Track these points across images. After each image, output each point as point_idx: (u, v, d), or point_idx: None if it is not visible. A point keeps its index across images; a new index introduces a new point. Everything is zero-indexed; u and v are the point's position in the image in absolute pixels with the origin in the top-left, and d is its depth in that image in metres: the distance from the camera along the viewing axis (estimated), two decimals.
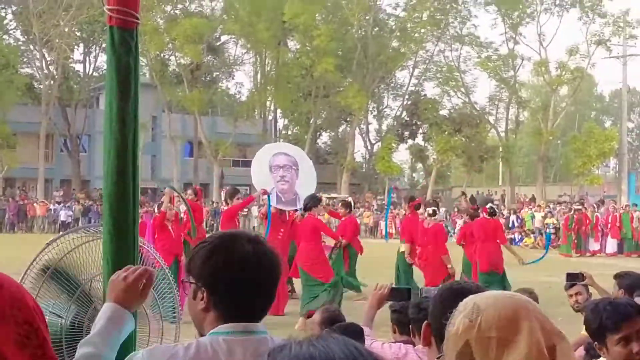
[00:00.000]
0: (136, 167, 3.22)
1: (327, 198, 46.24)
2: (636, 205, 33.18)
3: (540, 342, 1.83)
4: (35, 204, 44.34)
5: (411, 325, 4.92)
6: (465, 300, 1.96)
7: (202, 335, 2.34)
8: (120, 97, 3.15)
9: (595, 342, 3.62)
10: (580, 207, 33.06)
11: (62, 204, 44.99)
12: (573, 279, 7.04)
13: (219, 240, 2.37)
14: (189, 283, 2.36)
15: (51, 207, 44.39)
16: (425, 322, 2.67)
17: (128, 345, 3.14)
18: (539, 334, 1.84)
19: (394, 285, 4.88)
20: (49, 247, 4.67)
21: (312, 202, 13.29)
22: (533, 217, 37.20)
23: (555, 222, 35.12)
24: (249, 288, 2.30)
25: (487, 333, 1.84)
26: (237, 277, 2.29)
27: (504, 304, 1.89)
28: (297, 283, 14.48)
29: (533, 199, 45.79)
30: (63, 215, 42.84)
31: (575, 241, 30.90)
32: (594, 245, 31.41)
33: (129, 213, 3.19)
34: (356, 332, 4.84)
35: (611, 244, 31.21)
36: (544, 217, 36.19)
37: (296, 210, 15.01)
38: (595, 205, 33.86)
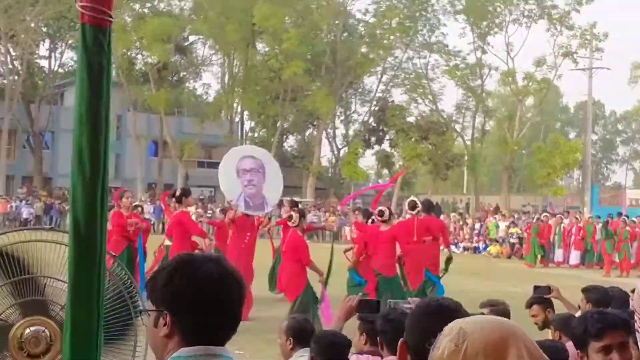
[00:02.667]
0: (106, 171, 3.12)
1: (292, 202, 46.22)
2: (599, 217, 33.51)
3: None
4: None
5: (379, 337, 4.86)
6: (450, 324, 1.89)
7: None
8: (91, 98, 3.05)
9: (578, 351, 3.62)
10: (546, 216, 33.34)
11: (24, 201, 44.45)
12: (541, 292, 7.03)
13: (180, 262, 2.30)
14: (149, 312, 2.28)
15: (13, 204, 43.83)
16: (401, 340, 2.60)
17: None
18: None
19: (362, 298, 4.86)
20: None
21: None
22: (497, 226, 37.44)
23: (519, 231, 35.37)
24: (213, 309, 2.23)
25: (474, 358, 1.77)
26: (201, 297, 2.22)
27: (491, 328, 1.82)
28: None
29: (497, 208, 46.09)
30: (25, 212, 42.32)
31: (541, 252, 31.10)
32: (558, 256, 31.66)
33: (97, 217, 3.09)
34: (345, 345, 4.79)
35: (574, 255, 31.48)
36: (508, 227, 36.43)
37: (264, 215, 14.99)
38: (562, 216, 34.14)
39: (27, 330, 4.13)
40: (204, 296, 2.22)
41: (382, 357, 5.06)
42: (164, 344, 2.26)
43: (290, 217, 12.97)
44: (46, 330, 4.13)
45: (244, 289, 2.33)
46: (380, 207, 14.23)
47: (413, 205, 14.80)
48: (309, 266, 12.56)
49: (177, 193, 14.65)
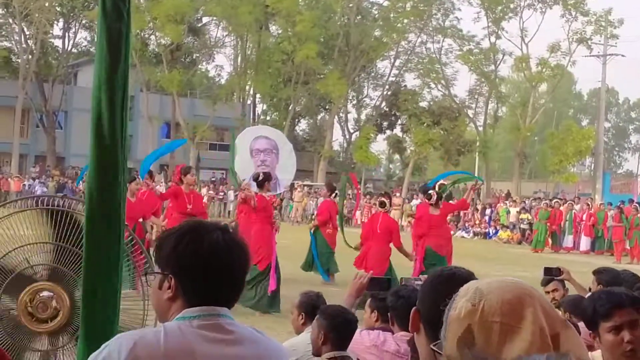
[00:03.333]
0: (125, 138, 3.15)
1: (304, 185, 46.30)
2: (610, 204, 33.43)
3: (544, 329, 1.79)
4: (9, 179, 43.97)
5: (389, 313, 4.89)
6: (466, 285, 1.91)
7: None
8: (111, 64, 3.07)
9: (590, 332, 3.63)
10: (557, 202, 33.31)
11: (37, 180, 44.65)
12: (550, 273, 7.04)
13: (188, 228, 2.35)
14: (155, 273, 2.34)
15: (26, 182, 44.03)
16: (414, 308, 2.62)
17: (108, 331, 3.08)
18: (543, 321, 1.80)
19: (373, 276, 4.89)
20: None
21: None
22: (508, 212, 37.41)
23: (529, 217, 35.34)
24: (217, 276, 2.29)
25: (490, 318, 1.79)
26: (206, 264, 2.27)
27: (508, 289, 1.84)
28: None
29: (508, 194, 46.00)
30: (39, 191, 42.49)
31: (550, 238, 31.11)
32: (568, 242, 31.64)
33: (117, 187, 3.12)
34: (352, 320, 4.84)
35: (584, 242, 31.46)
36: (519, 213, 36.40)
37: (276, 195, 15.00)
38: (573, 203, 34.08)
39: (37, 296, 4.18)
40: (209, 263, 2.27)
41: (392, 333, 5.10)
42: (168, 306, 2.31)
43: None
44: (54, 297, 4.18)
45: (248, 258, 2.39)
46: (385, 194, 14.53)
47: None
48: (399, 248, 13.28)
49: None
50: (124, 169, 3.18)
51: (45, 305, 4.17)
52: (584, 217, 31.76)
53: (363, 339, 5.04)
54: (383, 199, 14.12)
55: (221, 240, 2.30)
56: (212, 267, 2.27)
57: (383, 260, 13.18)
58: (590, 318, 3.60)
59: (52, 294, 4.19)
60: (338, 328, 4.69)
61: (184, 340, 2.18)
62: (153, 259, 2.40)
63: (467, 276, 2.60)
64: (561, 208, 32.40)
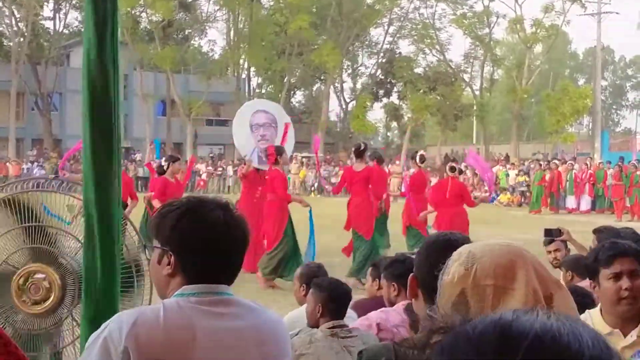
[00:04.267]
0: (118, 115, 3.16)
1: (302, 157, 46.28)
2: (609, 162, 33.43)
3: (537, 291, 1.81)
4: (7, 163, 43.95)
5: (394, 282, 4.95)
6: (459, 249, 1.92)
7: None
8: (99, 41, 3.07)
9: (590, 281, 3.67)
10: (556, 163, 33.29)
11: (35, 163, 44.65)
12: (550, 234, 7.05)
13: (188, 205, 2.35)
14: (154, 247, 2.35)
15: (24, 166, 44.03)
16: (411, 275, 2.62)
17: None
18: (535, 282, 1.82)
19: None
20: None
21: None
22: (507, 175, 37.42)
23: (528, 179, 35.35)
24: (217, 253, 2.30)
25: (483, 281, 1.81)
26: (207, 243, 2.29)
27: (500, 252, 1.85)
28: None
29: (507, 157, 45.99)
30: (38, 174, 42.50)
31: (549, 199, 31.18)
32: (571, 203, 31.65)
33: (112, 164, 3.14)
34: (346, 291, 4.88)
35: (585, 201, 31.49)
36: (518, 175, 36.42)
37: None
38: (572, 163, 34.08)
39: (29, 278, 4.20)
40: (210, 241, 2.29)
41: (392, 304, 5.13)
42: (167, 282, 2.33)
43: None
44: (46, 278, 4.20)
45: (248, 236, 2.39)
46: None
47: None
48: (473, 207, 13.87)
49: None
50: (118, 148, 3.19)
51: (37, 287, 4.20)
52: (584, 177, 31.75)
53: (368, 321, 4.96)
54: (453, 164, 14.26)
55: (222, 219, 2.31)
56: (212, 245, 2.29)
57: (460, 223, 13.28)
58: (591, 266, 3.66)
59: (43, 275, 4.20)
60: (335, 299, 4.74)
61: (182, 315, 2.19)
62: (151, 230, 2.40)
63: (462, 241, 2.58)
64: (560, 169, 32.39)
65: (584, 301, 4.03)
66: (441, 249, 2.43)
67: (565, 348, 0.87)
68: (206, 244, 2.28)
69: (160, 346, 2.12)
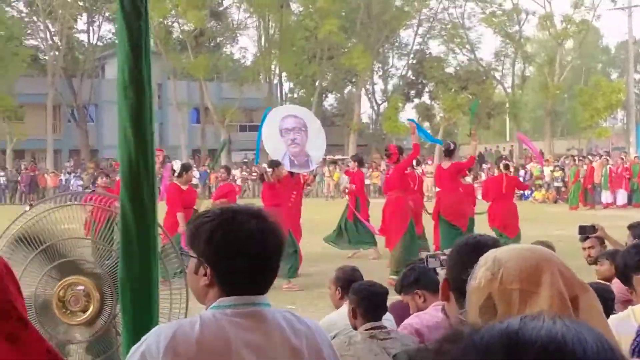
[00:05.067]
0: (152, 131, 3.23)
1: (334, 160, 46.27)
2: None
3: (562, 293, 1.85)
4: (46, 175, 44.46)
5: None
6: (486, 254, 1.97)
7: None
8: (133, 62, 3.15)
9: (627, 287, 3.65)
10: (590, 159, 32.99)
11: (72, 174, 45.15)
12: (585, 231, 7.04)
13: (222, 217, 2.36)
14: (191, 257, 2.38)
15: (62, 177, 44.53)
16: (443, 278, 2.70)
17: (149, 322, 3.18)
18: (561, 285, 1.86)
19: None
20: (26, 213, 4.71)
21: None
22: (542, 171, 37.13)
23: (563, 174, 35.05)
24: (252, 264, 2.32)
25: (509, 285, 1.85)
26: (241, 254, 2.30)
27: (525, 256, 1.91)
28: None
29: (541, 154, 45.62)
30: (75, 185, 42.96)
31: (583, 194, 30.89)
32: (607, 198, 31.33)
33: (148, 178, 3.21)
34: (383, 293, 4.95)
35: (621, 196, 31.16)
36: (553, 171, 36.14)
37: (309, 173, 15.11)
38: (607, 158, 33.73)
39: (67, 291, 4.32)
40: (245, 252, 2.31)
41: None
42: (204, 292, 2.38)
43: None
44: (82, 288, 4.31)
45: (283, 243, 2.42)
46: None
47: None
48: (527, 188, 14.97)
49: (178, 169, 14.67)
50: (153, 164, 3.26)
51: (77, 299, 4.30)
52: (619, 171, 31.42)
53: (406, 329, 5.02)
54: (507, 162, 16.13)
55: (256, 229, 2.33)
56: (247, 257, 2.30)
57: (511, 217, 14.98)
58: (622, 274, 3.62)
59: (82, 287, 4.32)
60: (367, 301, 4.79)
61: (219, 328, 2.23)
62: (187, 240, 2.44)
63: (491, 244, 2.63)
64: (594, 164, 32.10)
65: (604, 296, 4.04)
66: (471, 251, 2.48)
67: (570, 355, 0.91)
68: (241, 255, 2.30)
69: (198, 359, 2.18)
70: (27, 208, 4.66)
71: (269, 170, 13.89)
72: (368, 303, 4.78)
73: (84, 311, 4.31)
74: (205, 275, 2.33)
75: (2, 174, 43.93)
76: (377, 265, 13.92)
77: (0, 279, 1.92)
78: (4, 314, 1.90)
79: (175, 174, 14.20)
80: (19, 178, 43.65)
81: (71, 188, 42.27)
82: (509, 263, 1.89)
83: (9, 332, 1.90)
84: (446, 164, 14.25)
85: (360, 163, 17.73)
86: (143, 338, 2.24)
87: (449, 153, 14.37)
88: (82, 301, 4.30)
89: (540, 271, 1.87)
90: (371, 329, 4.69)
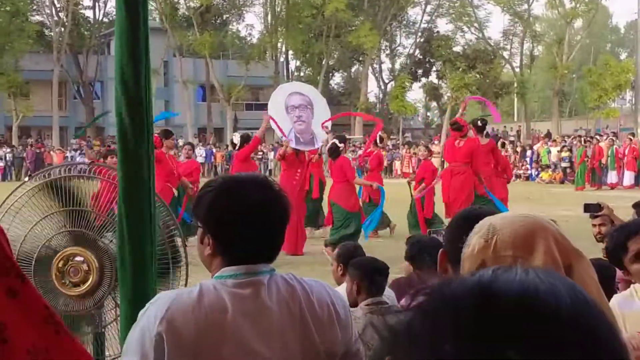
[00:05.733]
0: (150, 109, 3.21)
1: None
2: None
3: (557, 261, 1.83)
4: (52, 152, 44.54)
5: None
6: (481, 221, 1.94)
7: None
8: (131, 40, 3.12)
9: (622, 271, 3.59)
10: (597, 139, 32.90)
11: (78, 151, 45.20)
12: (591, 209, 6.96)
13: (224, 186, 2.34)
14: (198, 227, 2.35)
15: (68, 154, 44.60)
16: (440, 250, 2.65)
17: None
18: (555, 252, 1.83)
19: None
20: (31, 179, 4.67)
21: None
22: (549, 152, 37.09)
23: (570, 155, 35.00)
24: (255, 232, 2.29)
25: (503, 252, 1.83)
26: (243, 221, 2.27)
27: (520, 223, 1.88)
28: None
29: (548, 134, 45.55)
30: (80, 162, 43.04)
31: (590, 174, 30.85)
32: (613, 178, 31.28)
33: (143, 157, 3.19)
34: (384, 268, 4.95)
35: (628, 177, 31.10)
36: (560, 152, 36.07)
37: (315, 150, 15.11)
38: (613, 138, 33.63)
39: (68, 261, 4.29)
40: (246, 221, 2.27)
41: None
42: (210, 261, 2.34)
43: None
44: (85, 261, 4.28)
45: (288, 212, 2.36)
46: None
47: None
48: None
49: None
50: (150, 135, 3.24)
51: (77, 270, 4.28)
52: (626, 152, 31.35)
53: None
54: (503, 140, 15.49)
55: (259, 197, 2.29)
56: (249, 225, 2.27)
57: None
58: (613, 257, 3.55)
59: (81, 258, 4.30)
60: (369, 276, 4.79)
61: (217, 298, 2.21)
62: (192, 212, 2.42)
63: (490, 215, 2.60)
64: (601, 144, 32.02)
65: (606, 273, 3.97)
66: (469, 222, 2.44)
67: (542, 306, 0.90)
68: (243, 224, 2.26)
69: (193, 329, 2.15)
70: (27, 179, 4.63)
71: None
72: (370, 278, 4.78)
73: (84, 282, 4.28)
74: (209, 244, 2.31)
75: (8, 150, 44.01)
76: (378, 244, 13.89)
77: None
78: (4, 270, 1.92)
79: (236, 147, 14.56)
80: (25, 155, 43.74)
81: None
82: (503, 230, 1.86)
83: (9, 287, 1.93)
84: (483, 140, 14.41)
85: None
86: (142, 310, 2.23)
87: (480, 129, 14.43)
88: (82, 272, 4.26)
89: (534, 238, 1.84)
90: (371, 304, 4.69)
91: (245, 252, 2.28)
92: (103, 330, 4.45)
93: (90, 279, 4.28)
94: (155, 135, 12.68)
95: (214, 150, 46.29)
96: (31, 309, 1.98)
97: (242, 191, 2.30)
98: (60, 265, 4.28)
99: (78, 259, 4.31)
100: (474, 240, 1.88)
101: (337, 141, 13.82)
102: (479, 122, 14.69)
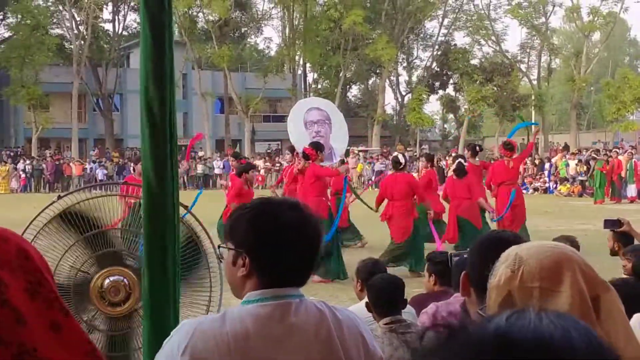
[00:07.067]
0: (173, 125, 3.22)
1: (359, 151, 46.29)
2: None
3: (583, 292, 1.83)
4: (71, 164, 44.78)
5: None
6: (507, 251, 1.95)
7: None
8: (156, 55, 3.14)
9: None
10: (616, 152, 32.69)
11: (97, 163, 45.43)
12: (610, 225, 6.91)
13: (262, 207, 2.36)
14: (229, 249, 2.36)
15: (87, 166, 44.82)
16: (463, 272, 2.66)
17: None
18: (582, 284, 1.83)
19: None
20: (59, 200, 4.65)
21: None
22: (567, 164, 36.90)
23: (589, 166, 34.75)
24: (291, 255, 2.29)
25: (530, 283, 1.83)
26: (281, 242, 2.28)
27: (546, 254, 1.88)
28: None
29: (566, 147, 45.36)
30: (100, 174, 43.23)
31: (609, 188, 30.66)
32: (632, 192, 31.06)
33: (167, 171, 3.20)
34: (396, 287, 4.91)
35: None
36: (578, 165, 35.89)
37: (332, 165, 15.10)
38: (632, 152, 33.43)
39: (107, 280, 4.27)
40: (284, 242, 2.28)
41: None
42: (242, 283, 2.34)
43: None
44: (125, 279, 4.28)
45: (321, 235, 2.39)
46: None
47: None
48: None
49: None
50: (174, 152, 3.25)
51: (117, 289, 4.25)
52: None
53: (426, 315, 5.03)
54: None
55: (295, 219, 2.30)
56: (286, 246, 2.28)
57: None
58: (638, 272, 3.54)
59: (122, 277, 4.28)
60: (381, 296, 4.76)
61: (240, 324, 2.21)
62: (225, 233, 2.42)
63: (513, 239, 2.60)
64: (620, 157, 31.83)
65: (634, 292, 3.96)
66: (493, 247, 2.45)
67: (558, 353, 0.91)
68: (280, 245, 2.27)
69: (217, 358, 2.16)
70: (56, 199, 4.63)
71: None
72: (383, 298, 4.76)
73: (125, 302, 4.27)
74: (243, 266, 2.31)
75: (28, 162, 44.26)
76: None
77: (40, 271, 1.94)
78: (48, 303, 1.90)
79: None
80: (44, 166, 43.97)
81: (97, 177, 42.54)
82: (529, 261, 1.87)
83: (53, 321, 1.91)
84: (475, 162, 15.01)
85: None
86: (172, 332, 2.26)
87: (474, 154, 15.01)
88: (123, 292, 4.25)
89: (561, 269, 1.85)
90: (390, 322, 4.68)
91: (280, 274, 2.30)
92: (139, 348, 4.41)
93: (132, 297, 4.27)
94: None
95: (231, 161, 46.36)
96: (74, 344, 1.99)
97: (278, 212, 2.32)
98: (98, 284, 4.26)
99: (116, 277, 4.29)
100: (501, 270, 1.89)
101: (462, 160, 14.24)
102: (476, 146, 15.53)
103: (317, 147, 12.98)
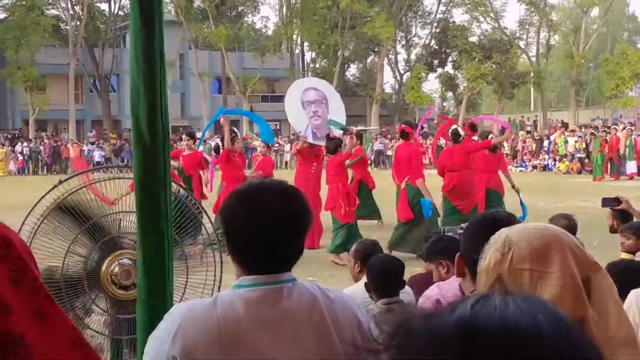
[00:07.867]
0: (165, 104, 3.18)
1: (357, 130, 46.23)
2: None
3: (574, 274, 1.82)
4: (68, 146, 44.71)
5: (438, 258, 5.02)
6: (496, 233, 1.94)
7: None
8: (145, 34, 3.10)
9: None
10: (615, 129, 32.65)
11: (95, 145, 45.38)
12: (608, 204, 6.89)
13: (247, 192, 2.32)
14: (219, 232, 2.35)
15: (84, 147, 44.76)
16: (458, 254, 2.65)
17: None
18: (572, 266, 1.82)
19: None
20: (60, 185, 4.56)
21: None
22: (566, 142, 36.87)
23: (584, 147, 34.75)
24: (273, 242, 2.25)
25: (519, 266, 1.83)
26: (261, 231, 2.24)
27: (536, 236, 1.86)
28: None
29: (565, 124, 45.31)
30: (97, 155, 43.20)
31: (608, 165, 30.64)
32: (631, 169, 31.04)
33: (159, 151, 3.16)
34: (399, 267, 4.90)
35: None
36: (577, 142, 35.85)
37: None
38: (631, 128, 33.38)
39: (116, 265, 4.21)
40: (265, 230, 2.24)
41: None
42: (236, 266, 2.33)
43: None
44: (128, 260, 4.22)
45: (309, 218, 2.35)
46: None
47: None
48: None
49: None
50: (167, 135, 3.21)
51: (128, 273, 4.19)
52: None
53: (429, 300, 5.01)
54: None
55: (279, 205, 2.26)
56: (268, 234, 2.24)
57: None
58: None
59: (131, 260, 4.19)
60: (380, 277, 4.75)
61: (232, 309, 2.19)
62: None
63: (506, 220, 2.59)
64: (619, 134, 31.79)
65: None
66: (485, 227, 2.43)
67: (526, 339, 0.89)
68: (261, 233, 2.24)
69: (207, 343, 2.14)
70: (57, 183, 4.57)
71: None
72: (382, 279, 4.75)
73: (135, 285, 4.19)
74: (229, 253, 2.32)
75: (25, 144, 44.23)
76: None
77: (23, 259, 1.92)
78: (32, 292, 1.90)
79: None
80: (42, 149, 43.93)
81: (94, 159, 42.51)
82: (519, 243, 1.85)
83: (37, 309, 1.90)
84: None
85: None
86: (165, 315, 2.25)
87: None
88: (134, 275, 4.11)
89: (551, 251, 1.84)
90: (388, 303, 4.66)
91: (262, 261, 2.26)
92: None
93: None
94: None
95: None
96: (60, 332, 1.97)
97: (263, 198, 2.28)
98: (111, 270, 4.20)
99: (123, 261, 4.21)
100: (490, 253, 1.88)
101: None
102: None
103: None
